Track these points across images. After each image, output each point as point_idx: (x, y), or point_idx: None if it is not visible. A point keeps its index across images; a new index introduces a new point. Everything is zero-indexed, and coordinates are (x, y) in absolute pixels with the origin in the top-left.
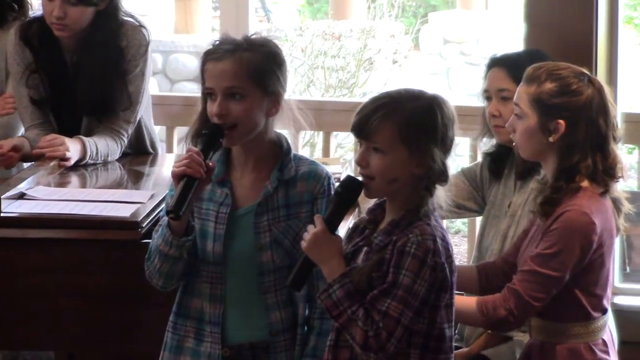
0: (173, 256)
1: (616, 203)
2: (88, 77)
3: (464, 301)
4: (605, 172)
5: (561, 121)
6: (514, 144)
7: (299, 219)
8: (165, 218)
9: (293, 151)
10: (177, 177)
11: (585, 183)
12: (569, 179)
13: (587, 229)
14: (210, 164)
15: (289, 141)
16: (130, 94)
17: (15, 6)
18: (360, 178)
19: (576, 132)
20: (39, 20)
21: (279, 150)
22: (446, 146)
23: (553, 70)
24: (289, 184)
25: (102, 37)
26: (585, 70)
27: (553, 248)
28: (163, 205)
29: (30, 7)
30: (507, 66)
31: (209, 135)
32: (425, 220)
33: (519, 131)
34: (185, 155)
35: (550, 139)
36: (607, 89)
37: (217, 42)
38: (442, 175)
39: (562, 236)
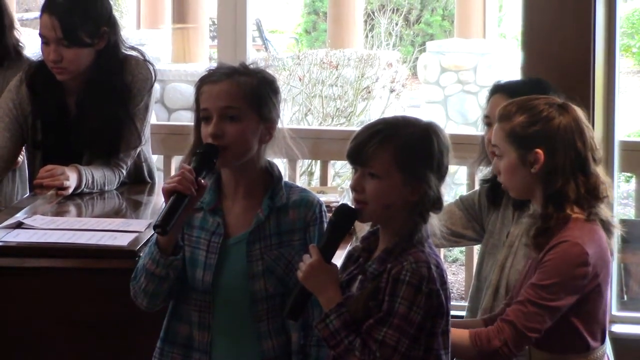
0: (159, 275)
1: (606, 225)
2: (95, 119)
3: (456, 334)
4: (589, 193)
5: (539, 150)
6: (502, 186)
7: (292, 246)
8: (154, 236)
9: (284, 179)
10: (167, 193)
11: (574, 212)
12: (557, 205)
13: (580, 259)
14: (203, 182)
15: (282, 169)
16: (139, 132)
17: (12, 53)
18: (353, 205)
19: (555, 158)
20: (44, 65)
21: (270, 178)
22: (441, 173)
23: (522, 104)
24: (281, 212)
25: (106, 77)
26: (556, 98)
27: (547, 280)
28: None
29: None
30: (509, 94)
31: (203, 154)
32: (419, 247)
33: (503, 171)
34: (178, 172)
35: (533, 170)
36: (581, 113)
37: (213, 68)
38: (436, 203)
39: (556, 268)
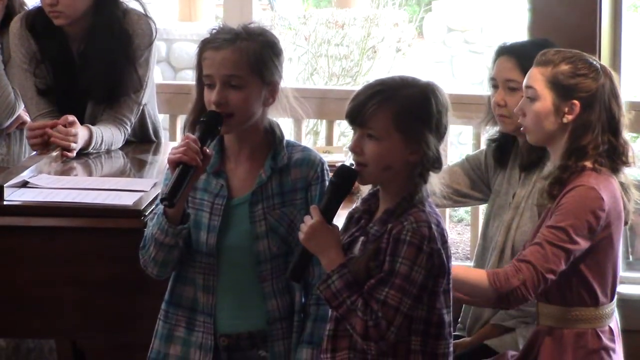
0: (169, 244)
1: (625, 188)
2: (96, 64)
3: (473, 274)
4: (615, 155)
5: (576, 102)
6: (522, 129)
7: (294, 206)
8: (161, 206)
9: (288, 138)
10: (173, 164)
11: (590, 164)
12: (578, 158)
13: (596, 203)
14: (208, 151)
15: (288, 128)
16: (139, 77)
17: (18, 12)
18: (354, 165)
19: (590, 113)
20: (43, 10)
21: (272, 138)
22: (440, 133)
23: (567, 55)
24: (283, 172)
25: (106, 23)
26: (597, 59)
27: (564, 221)
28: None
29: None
30: (516, 56)
31: (207, 122)
32: (419, 207)
33: (531, 113)
34: (182, 143)
35: (564, 120)
36: (616, 77)
37: (215, 31)
38: (436, 162)
39: (573, 209)
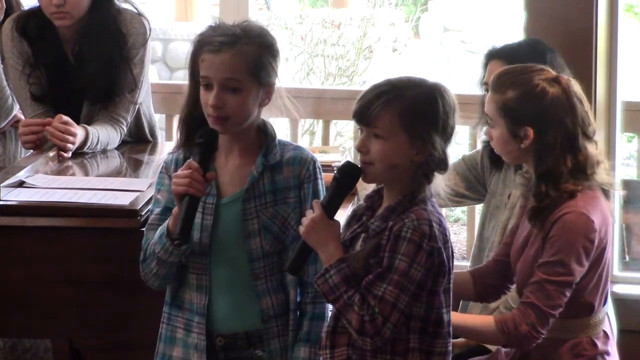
0: (172, 262)
1: (604, 189)
2: (92, 64)
3: (481, 320)
4: (578, 170)
5: (529, 128)
6: (495, 151)
7: (287, 204)
8: (164, 225)
9: (286, 138)
10: (179, 196)
11: (571, 186)
12: (550, 184)
13: (587, 228)
14: (209, 176)
15: (284, 128)
16: (134, 76)
17: (16, 8)
18: (359, 164)
19: (546, 136)
20: (35, 13)
21: (264, 136)
22: (447, 134)
23: (516, 76)
24: (275, 170)
25: (101, 23)
26: (549, 70)
27: (558, 255)
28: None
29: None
30: (506, 59)
31: (205, 145)
32: (421, 205)
33: (494, 139)
34: (186, 173)
35: (522, 146)
36: (575, 85)
37: (213, 32)
38: (441, 163)
39: (565, 240)
